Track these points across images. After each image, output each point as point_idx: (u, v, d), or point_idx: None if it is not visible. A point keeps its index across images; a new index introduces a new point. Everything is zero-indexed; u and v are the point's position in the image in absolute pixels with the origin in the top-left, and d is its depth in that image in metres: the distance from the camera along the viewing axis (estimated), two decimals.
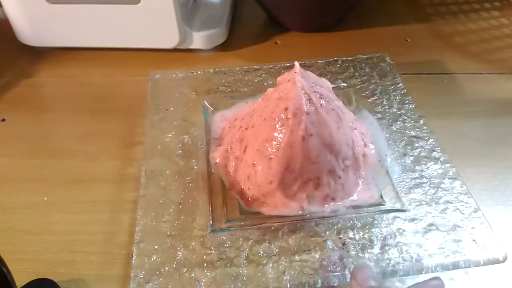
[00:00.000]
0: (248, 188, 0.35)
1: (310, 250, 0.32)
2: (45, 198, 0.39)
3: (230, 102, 0.43)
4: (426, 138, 0.39)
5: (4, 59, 0.53)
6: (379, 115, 0.41)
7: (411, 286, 0.28)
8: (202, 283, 0.30)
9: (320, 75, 0.40)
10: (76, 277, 0.33)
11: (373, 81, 0.45)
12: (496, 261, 0.31)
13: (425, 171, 0.37)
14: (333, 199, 0.35)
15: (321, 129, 0.33)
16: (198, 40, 0.52)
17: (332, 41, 0.55)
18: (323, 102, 0.34)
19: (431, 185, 0.36)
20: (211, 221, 0.34)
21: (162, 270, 0.31)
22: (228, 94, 0.44)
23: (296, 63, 0.36)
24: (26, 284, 0.30)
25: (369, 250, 0.31)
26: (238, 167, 0.36)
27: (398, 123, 0.41)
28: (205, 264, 0.31)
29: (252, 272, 0.30)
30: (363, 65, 0.46)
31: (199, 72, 0.46)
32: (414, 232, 0.33)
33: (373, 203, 0.36)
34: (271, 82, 0.44)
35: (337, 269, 0.30)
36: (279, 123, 0.33)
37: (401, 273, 0.30)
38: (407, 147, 0.39)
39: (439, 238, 0.32)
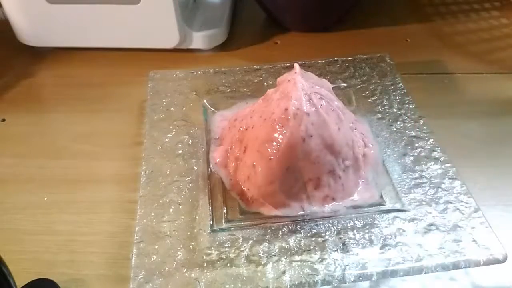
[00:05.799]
0: (248, 189, 0.35)
1: (310, 250, 0.32)
2: (45, 198, 0.39)
3: (230, 102, 0.43)
4: (426, 138, 0.39)
5: (4, 59, 0.53)
6: (379, 115, 0.41)
7: None
8: (202, 283, 0.30)
9: (320, 75, 0.40)
10: (76, 277, 0.33)
11: (373, 81, 0.45)
12: (496, 261, 0.31)
13: (425, 171, 0.37)
14: (333, 199, 0.35)
15: (322, 130, 0.33)
16: (198, 40, 0.52)
17: (332, 41, 0.55)
18: (324, 102, 0.34)
19: (431, 185, 0.36)
20: (211, 221, 0.34)
21: (162, 270, 0.31)
22: (228, 94, 0.44)
23: (296, 65, 0.36)
24: (26, 284, 0.30)
25: (369, 250, 0.31)
26: (238, 168, 0.36)
27: (398, 123, 0.41)
28: (205, 264, 0.31)
29: (252, 272, 0.30)
30: (363, 65, 0.46)
31: (199, 72, 0.46)
32: (414, 232, 0.33)
33: (373, 203, 0.35)
34: (271, 82, 0.44)
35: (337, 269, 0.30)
36: (279, 123, 0.33)
37: (401, 273, 0.30)
38: (407, 147, 0.39)
39: (439, 238, 0.32)
